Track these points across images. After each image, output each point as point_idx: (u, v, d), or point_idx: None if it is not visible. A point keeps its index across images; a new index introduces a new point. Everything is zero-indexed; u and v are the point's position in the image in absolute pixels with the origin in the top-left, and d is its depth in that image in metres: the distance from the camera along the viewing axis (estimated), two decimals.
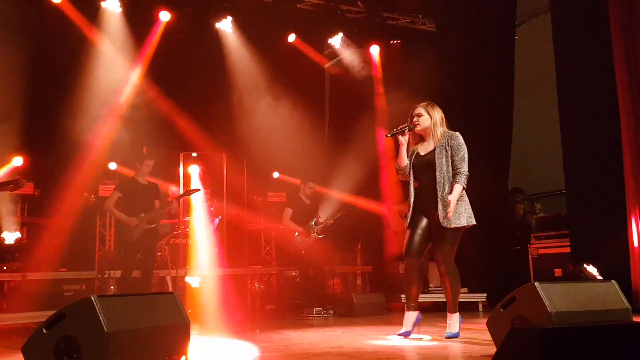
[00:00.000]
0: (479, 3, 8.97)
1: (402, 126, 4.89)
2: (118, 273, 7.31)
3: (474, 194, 8.56)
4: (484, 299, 7.69)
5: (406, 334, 4.78)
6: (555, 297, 3.46)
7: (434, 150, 4.86)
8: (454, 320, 4.80)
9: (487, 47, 8.86)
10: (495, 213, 8.64)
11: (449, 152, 4.80)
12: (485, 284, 8.02)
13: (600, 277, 6.77)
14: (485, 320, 3.87)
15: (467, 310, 7.53)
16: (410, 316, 4.85)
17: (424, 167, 4.86)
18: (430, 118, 4.87)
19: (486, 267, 8.45)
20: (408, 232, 4.90)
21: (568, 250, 7.50)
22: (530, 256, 8.01)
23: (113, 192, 7.32)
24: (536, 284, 3.51)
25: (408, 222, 4.91)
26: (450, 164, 4.79)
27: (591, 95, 7.31)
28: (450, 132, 4.90)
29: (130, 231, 7.08)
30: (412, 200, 4.88)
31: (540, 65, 9.67)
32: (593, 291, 3.71)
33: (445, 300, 4.96)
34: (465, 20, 9.12)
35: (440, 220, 4.71)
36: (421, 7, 10.15)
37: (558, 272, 7.61)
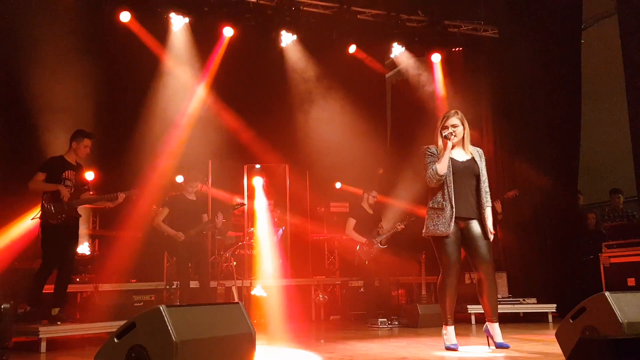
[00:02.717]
0: (543, 7, 8.78)
1: (447, 132, 4.79)
2: None
3: (543, 202, 8.46)
4: (554, 310, 7.48)
5: (456, 347, 4.73)
6: (627, 307, 3.35)
7: (472, 159, 4.87)
8: (499, 330, 4.77)
9: (553, 52, 8.65)
10: (564, 222, 8.41)
11: (480, 166, 4.86)
12: (555, 294, 7.82)
13: None
14: (555, 331, 3.78)
15: (537, 321, 7.36)
16: (454, 330, 4.83)
17: (463, 173, 4.81)
18: (464, 129, 4.87)
19: (556, 278, 8.23)
20: (449, 242, 4.78)
21: None
22: (602, 265, 7.74)
23: (162, 209, 7.52)
24: (607, 293, 3.41)
25: (447, 228, 4.73)
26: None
27: None
28: (476, 147, 4.98)
29: (177, 245, 7.26)
30: (453, 205, 4.73)
31: (608, 68, 9.37)
32: None
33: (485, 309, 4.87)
34: (529, 25, 8.95)
35: (488, 231, 4.79)
36: (483, 13, 10.00)
37: (631, 281, 7.31)
